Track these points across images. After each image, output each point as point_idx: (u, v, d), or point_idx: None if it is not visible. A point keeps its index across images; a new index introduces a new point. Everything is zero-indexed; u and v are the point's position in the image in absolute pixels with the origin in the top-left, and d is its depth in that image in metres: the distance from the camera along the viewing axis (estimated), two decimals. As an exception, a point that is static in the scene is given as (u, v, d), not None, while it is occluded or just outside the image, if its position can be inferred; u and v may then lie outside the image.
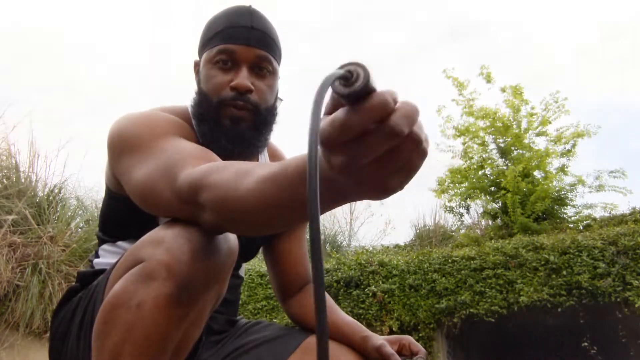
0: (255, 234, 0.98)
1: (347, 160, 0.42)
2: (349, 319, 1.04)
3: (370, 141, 0.40)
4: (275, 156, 1.14)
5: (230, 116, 0.94)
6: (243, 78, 0.94)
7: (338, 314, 1.04)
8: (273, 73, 1.00)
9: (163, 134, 0.84)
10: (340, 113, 0.40)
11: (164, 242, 0.66)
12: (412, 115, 0.40)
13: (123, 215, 0.96)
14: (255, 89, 0.96)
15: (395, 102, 0.40)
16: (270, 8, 1.02)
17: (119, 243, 1.00)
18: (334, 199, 0.49)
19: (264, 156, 1.11)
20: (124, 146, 0.85)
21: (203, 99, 0.97)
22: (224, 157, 0.80)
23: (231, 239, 0.73)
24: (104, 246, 1.02)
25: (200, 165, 0.70)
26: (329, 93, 0.41)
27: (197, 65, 1.04)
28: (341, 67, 0.39)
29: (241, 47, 0.96)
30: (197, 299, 0.67)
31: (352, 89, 0.39)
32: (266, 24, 1.00)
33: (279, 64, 1.04)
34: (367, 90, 0.39)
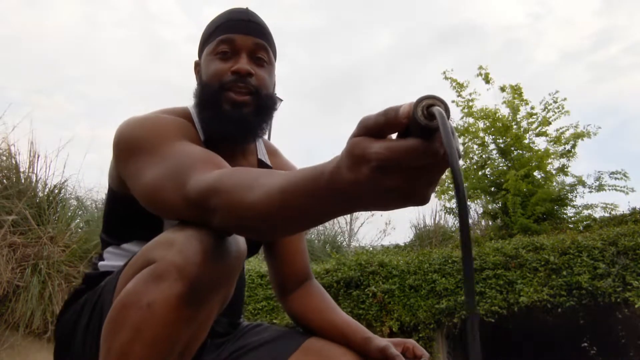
0: (261, 239, 1.02)
1: (401, 182, 0.46)
2: (349, 319, 1.03)
3: (428, 169, 0.46)
4: (272, 154, 1.15)
5: (231, 101, 0.96)
6: (243, 63, 0.98)
7: (338, 314, 1.04)
8: (270, 64, 1.04)
9: (170, 137, 0.86)
10: (412, 144, 0.44)
11: (175, 243, 0.67)
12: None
13: (127, 217, 0.97)
14: (255, 74, 0.99)
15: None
16: (263, 11, 1.07)
17: (124, 245, 1.00)
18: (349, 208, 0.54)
19: (261, 148, 1.11)
20: (131, 149, 0.86)
21: (204, 88, 1.00)
22: (227, 146, 0.92)
23: (240, 242, 0.74)
24: (109, 249, 1.03)
25: (209, 169, 0.72)
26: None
27: (197, 65, 1.07)
28: (428, 98, 0.42)
29: (240, 36, 1.00)
30: (206, 301, 0.67)
31: (431, 124, 0.42)
32: (262, 21, 1.06)
33: (274, 59, 1.07)
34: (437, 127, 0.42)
